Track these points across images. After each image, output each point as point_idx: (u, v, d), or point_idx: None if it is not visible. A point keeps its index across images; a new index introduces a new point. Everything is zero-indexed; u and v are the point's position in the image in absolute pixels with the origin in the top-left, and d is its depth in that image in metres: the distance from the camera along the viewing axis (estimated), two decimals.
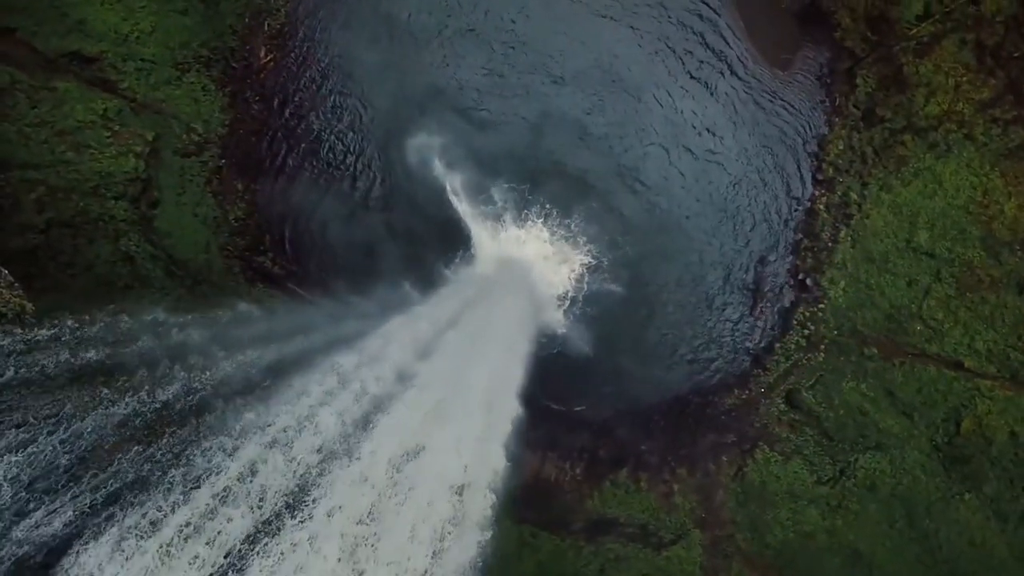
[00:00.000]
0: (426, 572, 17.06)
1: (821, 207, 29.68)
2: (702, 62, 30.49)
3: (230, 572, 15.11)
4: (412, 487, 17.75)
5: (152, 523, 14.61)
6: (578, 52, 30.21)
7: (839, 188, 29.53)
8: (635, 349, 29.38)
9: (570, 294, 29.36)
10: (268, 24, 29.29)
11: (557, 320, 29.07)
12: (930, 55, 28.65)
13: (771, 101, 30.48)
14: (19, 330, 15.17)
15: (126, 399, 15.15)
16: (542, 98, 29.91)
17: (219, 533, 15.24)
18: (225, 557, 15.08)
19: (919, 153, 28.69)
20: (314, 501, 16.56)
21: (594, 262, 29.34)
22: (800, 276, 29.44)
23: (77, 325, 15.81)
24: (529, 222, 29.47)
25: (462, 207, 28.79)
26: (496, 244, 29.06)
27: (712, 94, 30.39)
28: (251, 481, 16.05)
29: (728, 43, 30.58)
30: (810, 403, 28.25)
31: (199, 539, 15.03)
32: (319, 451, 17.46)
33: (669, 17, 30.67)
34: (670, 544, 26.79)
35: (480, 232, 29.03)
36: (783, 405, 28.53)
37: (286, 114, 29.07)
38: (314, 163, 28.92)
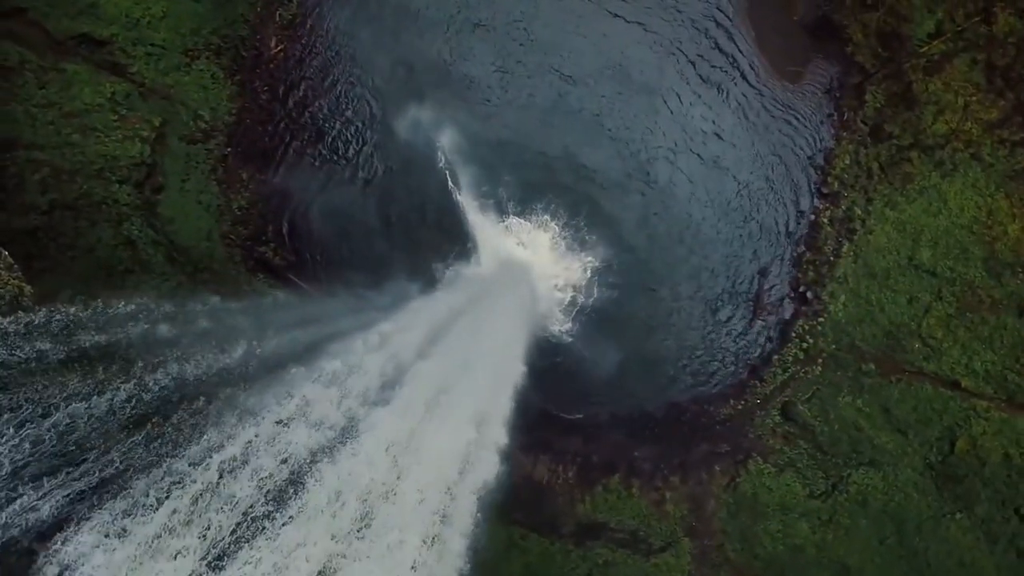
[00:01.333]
0: None
1: (825, 220, 29.64)
2: (713, 68, 30.40)
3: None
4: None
5: (144, 508, 14.69)
6: (588, 52, 30.07)
7: (844, 202, 29.49)
8: (633, 354, 29.35)
9: (570, 297, 29.35)
10: (280, 14, 29.25)
11: (556, 323, 29.06)
12: (940, 73, 28.60)
13: (779, 112, 30.40)
14: (19, 312, 15.17)
15: (121, 386, 15.15)
16: (551, 97, 29.82)
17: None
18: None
19: (925, 171, 28.64)
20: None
21: (596, 265, 29.30)
22: (801, 289, 29.40)
23: (75, 309, 15.80)
24: (532, 222, 29.42)
25: (466, 204, 28.76)
26: (498, 243, 29.03)
27: (721, 101, 30.30)
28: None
29: (739, 51, 30.50)
30: (805, 416, 28.23)
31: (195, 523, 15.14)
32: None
33: (681, 22, 30.56)
34: (659, 551, 26.79)
35: (482, 231, 29.00)
36: (778, 417, 28.51)
37: (293, 105, 29.03)
38: (319, 155, 28.89)
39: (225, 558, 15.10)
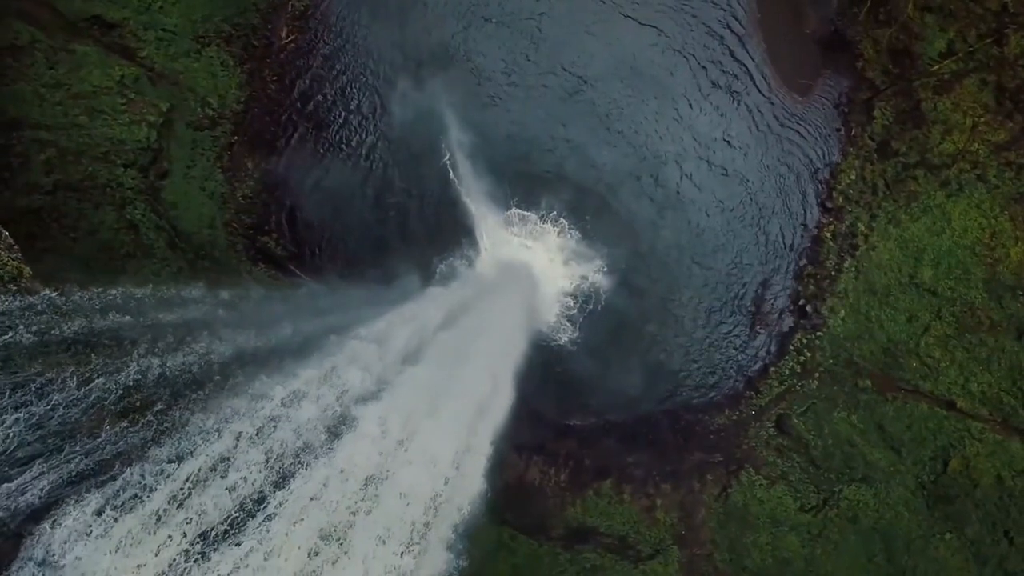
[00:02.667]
0: None
1: (828, 235, 29.63)
2: (724, 75, 30.41)
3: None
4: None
5: (135, 495, 14.66)
6: (600, 52, 30.08)
7: (847, 218, 29.49)
8: (630, 360, 29.32)
9: (570, 299, 29.30)
10: (292, 5, 29.26)
11: (554, 325, 29.01)
12: (950, 93, 28.61)
13: (787, 123, 30.42)
14: (16, 291, 15.16)
15: (115, 372, 15.13)
16: (560, 96, 29.81)
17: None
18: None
19: (930, 190, 28.65)
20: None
21: (598, 270, 29.27)
22: (801, 302, 29.40)
23: (73, 293, 15.75)
24: (536, 223, 29.38)
25: (469, 202, 28.71)
26: (501, 243, 28.99)
27: (730, 109, 30.34)
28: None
29: (751, 61, 30.51)
30: (800, 430, 28.22)
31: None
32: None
33: (695, 27, 30.56)
34: (648, 558, 26.75)
35: (486, 230, 28.96)
36: (772, 429, 28.50)
37: (301, 96, 29.01)
38: (325, 147, 28.87)
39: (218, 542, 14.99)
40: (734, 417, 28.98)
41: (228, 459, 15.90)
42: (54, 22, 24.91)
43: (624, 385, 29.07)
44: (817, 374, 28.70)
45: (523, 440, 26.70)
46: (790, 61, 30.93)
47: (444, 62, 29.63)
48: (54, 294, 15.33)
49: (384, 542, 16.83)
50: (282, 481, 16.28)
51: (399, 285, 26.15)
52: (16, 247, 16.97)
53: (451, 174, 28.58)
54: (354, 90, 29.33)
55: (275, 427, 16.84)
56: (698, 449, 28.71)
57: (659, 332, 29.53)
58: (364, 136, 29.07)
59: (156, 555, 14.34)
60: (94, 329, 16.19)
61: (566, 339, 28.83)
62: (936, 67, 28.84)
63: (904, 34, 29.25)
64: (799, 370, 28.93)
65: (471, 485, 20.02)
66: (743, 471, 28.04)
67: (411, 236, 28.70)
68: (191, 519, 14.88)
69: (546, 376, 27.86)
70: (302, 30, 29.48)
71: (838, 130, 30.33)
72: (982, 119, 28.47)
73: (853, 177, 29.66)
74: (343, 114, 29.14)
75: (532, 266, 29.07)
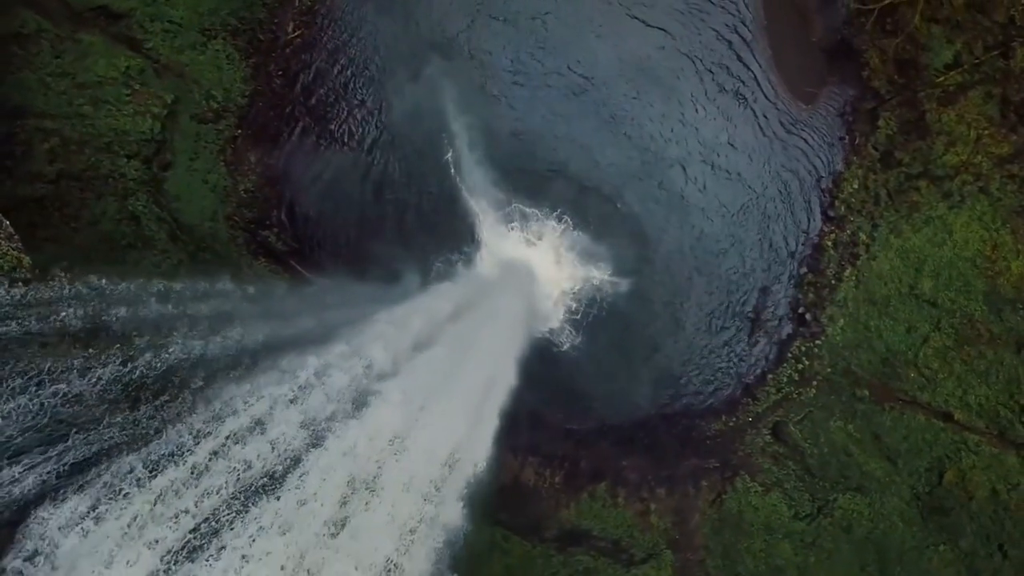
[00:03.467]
0: None
1: (829, 243, 29.63)
2: (730, 80, 30.38)
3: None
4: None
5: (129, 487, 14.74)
6: (607, 53, 30.01)
7: (849, 227, 29.48)
8: (628, 363, 29.33)
9: (570, 301, 29.31)
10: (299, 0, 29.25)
11: (553, 327, 29.02)
12: (954, 105, 28.60)
13: (792, 131, 30.42)
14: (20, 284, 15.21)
15: (112, 363, 15.21)
16: (565, 96, 29.78)
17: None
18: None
19: (933, 201, 28.64)
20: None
21: (600, 270, 29.24)
22: (800, 310, 29.39)
23: (80, 285, 15.88)
24: (538, 225, 29.39)
25: (472, 201, 28.71)
26: (501, 246, 28.98)
27: (736, 115, 30.30)
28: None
29: (757, 67, 30.50)
30: (796, 437, 28.21)
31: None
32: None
33: (702, 30, 30.52)
34: (640, 562, 26.73)
35: (488, 231, 28.95)
36: (769, 436, 28.49)
37: (307, 91, 29.02)
38: (329, 142, 28.88)
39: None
40: (731, 423, 28.98)
41: (265, 422, 17.18)
42: (61, 11, 24.92)
43: (622, 389, 29.08)
44: (815, 382, 28.70)
45: (519, 441, 26.70)
46: (796, 68, 30.93)
47: (449, 59, 29.62)
48: (52, 286, 15.37)
49: (408, 490, 18.37)
50: (316, 442, 17.44)
51: (400, 283, 26.20)
52: (16, 236, 17.03)
53: (453, 171, 28.60)
54: (359, 86, 29.34)
55: (309, 394, 18.22)
56: (694, 455, 28.69)
57: (659, 336, 29.53)
58: (367, 132, 29.08)
59: (197, 506, 15.16)
60: (83, 323, 16.37)
61: (565, 340, 28.86)
62: (942, 78, 28.84)
63: (910, 45, 29.24)
64: (797, 378, 28.92)
65: (482, 446, 21.73)
66: (738, 477, 28.03)
67: (413, 233, 28.70)
68: (235, 469, 15.73)
69: (544, 378, 27.80)
70: (309, 25, 29.48)
71: (842, 139, 30.32)
72: (986, 132, 28.46)
73: (856, 186, 29.65)
74: (347, 110, 29.15)
75: (534, 265, 29.08)
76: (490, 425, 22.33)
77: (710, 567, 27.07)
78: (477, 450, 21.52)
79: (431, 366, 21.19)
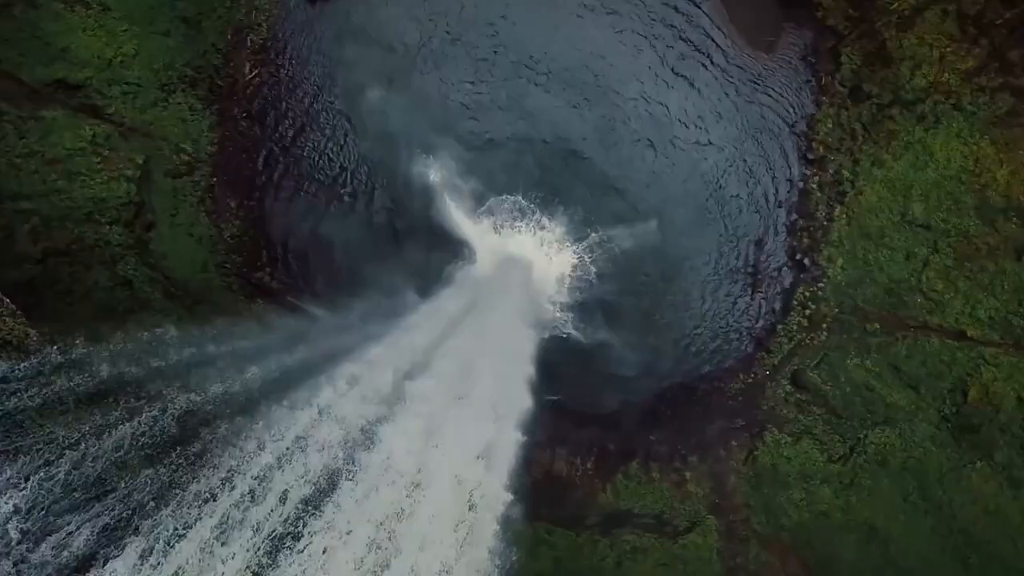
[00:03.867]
0: None
1: (814, 186, 29.71)
2: (685, 52, 30.46)
3: None
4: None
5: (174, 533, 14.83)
6: (561, 53, 30.12)
7: (831, 166, 29.55)
8: (638, 340, 29.41)
9: (569, 291, 29.39)
10: (251, 39, 29.26)
11: (558, 318, 29.11)
12: (913, 28, 28.66)
13: (757, 85, 30.47)
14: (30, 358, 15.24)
15: (138, 419, 15.29)
16: (528, 101, 29.88)
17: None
18: None
19: (908, 126, 28.70)
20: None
21: (592, 258, 29.38)
22: (797, 256, 29.47)
23: (84, 350, 15.96)
24: (524, 222, 29.51)
25: (455, 212, 28.87)
26: (491, 247, 29.11)
27: (697, 84, 30.33)
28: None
29: (710, 30, 30.56)
30: (816, 382, 28.28)
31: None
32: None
33: (652, 7, 30.62)
34: (686, 532, 26.81)
35: (474, 236, 29.11)
36: (789, 386, 28.56)
37: (275, 129, 29.06)
38: (306, 176, 28.92)
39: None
40: (749, 380, 29.05)
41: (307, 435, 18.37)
42: (18, 92, 24.90)
43: (636, 365, 29.17)
44: (825, 325, 28.77)
45: (545, 434, 26.75)
46: (750, 21, 30.99)
47: (412, 79, 29.66)
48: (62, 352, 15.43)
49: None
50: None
51: (398, 298, 26.26)
52: (19, 312, 17.03)
53: (433, 185, 28.69)
54: (324, 115, 29.37)
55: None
56: (719, 417, 28.77)
57: (663, 308, 29.62)
58: (341, 159, 29.13)
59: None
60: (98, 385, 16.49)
61: (570, 326, 28.96)
62: (895, 4, 28.88)
63: None
64: (806, 324, 28.99)
65: (516, 419, 22.52)
66: (766, 432, 28.11)
67: (402, 249, 28.79)
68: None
69: (557, 367, 27.90)
70: (264, 63, 29.49)
71: (808, 81, 30.38)
72: (949, 49, 28.49)
73: (830, 125, 29.72)
74: (318, 142, 29.18)
75: (527, 258, 29.22)
76: (522, 405, 23.02)
77: (755, 524, 27.15)
78: (513, 425, 22.23)
79: (453, 358, 22.38)
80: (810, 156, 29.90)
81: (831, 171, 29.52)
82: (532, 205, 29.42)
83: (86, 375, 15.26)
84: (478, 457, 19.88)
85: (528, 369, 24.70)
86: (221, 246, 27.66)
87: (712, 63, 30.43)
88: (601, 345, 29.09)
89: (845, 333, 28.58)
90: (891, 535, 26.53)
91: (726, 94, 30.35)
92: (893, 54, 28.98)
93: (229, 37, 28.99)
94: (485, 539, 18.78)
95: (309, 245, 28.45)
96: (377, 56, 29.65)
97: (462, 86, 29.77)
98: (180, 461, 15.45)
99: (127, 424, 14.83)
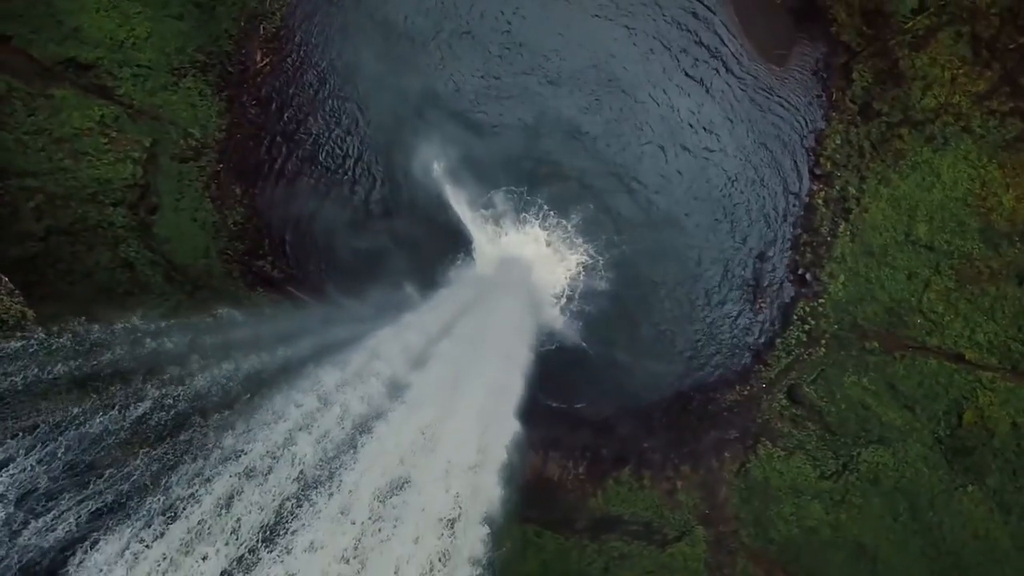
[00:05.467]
0: None
1: (819, 202, 29.68)
2: (697, 59, 30.46)
3: None
4: (398, 521, 17.41)
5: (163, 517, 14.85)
6: (573, 52, 30.16)
7: (837, 182, 29.53)
8: (636, 347, 29.37)
9: (569, 293, 29.36)
10: (264, 28, 29.27)
11: (557, 320, 29.08)
12: (926, 48, 28.64)
13: (767, 97, 30.45)
14: (27, 336, 15.23)
15: (133, 403, 15.30)
16: (538, 99, 29.87)
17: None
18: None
19: (916, 146, 28.68)
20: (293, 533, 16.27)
21: (593, 261, 29.35)
22: (799, 271, 29.44)
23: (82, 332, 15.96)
24: (527, 222, 29.47)
25: (460, 208, 28.78)
26: (494, 245, 29.06)
27: (708, 91, 30.34)
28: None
29: (723, 39, 30.55)
30: (812, 398, 28.25)
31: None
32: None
33: (664, 15, 30.64)
34: (674, 541, 26.79)
35: (478, 233, 29.03)
36: (785, 400, 28.54)
37: (283, 118, 29.05)
38: (312, 166, 28.90)
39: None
40: (745, 392, 29.02)
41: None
42: (29, 69, 24.92)
43: (633, 372, 29.13)
44: (823, 341, 28.75)
45: (538, 436, 26.75)
46: (764, 33, 30.97)
47: (422, 74, 29.64)
48: (58, 333, 15.45)
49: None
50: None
51: (398, 295, 26.24)
52: (17, 292, 17.04)
53: (439, 180, 28.65)
54: (334, 108, 29.35)
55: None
56: (713, 428, 28.74)
57: (663, 316, 29.56)
58: (349, 153, 29.10)
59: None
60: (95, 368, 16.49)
61: (570, 331, 28.90)
62: (910, 24, 28.88)
63: None
64: (805, 338, 28.97)
65: (511, 404, 22.81)
66: (760, 445, 28.08)
67: (404, 246, 28.74)
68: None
69: (555, 370, 27.89)
70: (276, 52, 29.49)
71: (819, 96, 30.37)
72: (961, 71, 28.49)
73: (839, 141, 29.71)
74: (326, 133, 29.17)
75: (530, 260, 29.16)
76: (514, 394, 23.21)
77: (743, 537, 27.12)
78: (507, 410, 22.60)
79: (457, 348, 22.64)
80: (817, 171, 29.88)
81: (837, 187, 29.49)
82: (535, 203, 29.38)
83: (81, 358, 15.25)
84: (471, 457, 19.82)
85: (524, 370, 24.64)
86: (224, 233, 27.64)
87: (724, 71, 30.42)
88: (599, 349, 29.03)
89: (843, 350, 28.56)
90: (879, 554, 26.51)
91: (736, 104, 30.35)
92: (905, 73, 28.96)
93: (242, 24, 29.01)
94: (471, 539, 18.57)
95: (312, 237, 28.42)
96: (388, 48, 29.64)
97: (472, 81, 29.74)
98: (170, 448, 15.47)
99: (119, 409, 14.82)
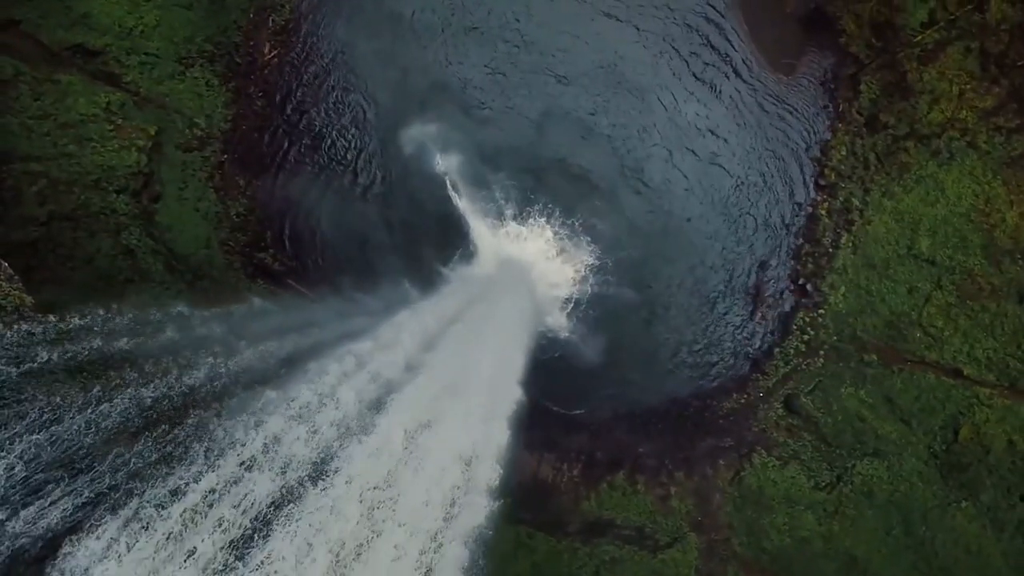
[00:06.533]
0: (437, 533, 18.41)
1: (823, 212, 29.66)
2: (706, 64, 30.45)
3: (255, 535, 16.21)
4: (425, 457, 19.30)
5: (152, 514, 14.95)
6: (582, 52, 30.13)
7: (841, 194, 29.51)
8: (635, 351, 29.37)
9: (570, 294, 29.38)
10: (273, 20, 29.26)
11: (557, 320, 29.07)
12: (934, 62, 28.62)
13: (774, 105, 30.44)
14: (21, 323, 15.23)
15: (128, 393, 15.34)
16: (545, 97, 29.85)
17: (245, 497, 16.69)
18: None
19: (922, 160, 28.67)
20: (335, 471, 17.87)
21: (595, 263, 29.32)
22: (800, 281, 29.42)
23: (78, 319, 16.01)
24: (530, 222, 29.45)
25: (463, 205, 28.78)
26: (497, 243, 29.05)
27: (716, 97, 30.33)
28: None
29: (732, 46, 30.53)
30: (809, 408, 28.23)
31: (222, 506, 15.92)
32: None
33: (674, 19, 30.62)
34: (666, 547, 26.75)
35: (481, 231, 29.02)
36: (781, 410, 28.51)
37: (289, 110, 29.04)
38: (316, 159, 28.89)
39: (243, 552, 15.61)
40: (742, 400, 29.00)
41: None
42: (37, 53, 24.91)
43: (631, 376, 29.11)
44: (822, 351, 28.72)
45: (534, 438, 26.71)
46: (772, 42, 30.96)
47: (430, 70, 29.65)
48: (56, 322, 15.48)
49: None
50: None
51: (399, 292, 26.24)
52: (16, 278, 17.04)
53: (443, 180, 28.64)
54: (341, 102, 29.34)
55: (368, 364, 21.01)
56: (709, 435, 28.71)
57: (662, 322, 29.56)
58: (354, 147, 29.09)
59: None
60: (90, 357, 16.60)
61: (569, 336, 28.87)
62: (919, 37, 28.85)
63: (884, 7, 29.24)
64: (804, 349, 28.95)
65: (507, 399, 23.18)
66: (755, 454, 28.05)
67: (406, 243, 28.73)
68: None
69: (553, 373, 27.87)
70: (284, 45, 29.48)
71: (825, 107, 30.35)
72: (968, 86, 28.47)
73: (844, 153, 29.68)
74: (331, 127, 29.15)
75: (531, 263, 29.13)
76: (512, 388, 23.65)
77: (735, 545, 27.09)
78: (504, 403, 22.99)
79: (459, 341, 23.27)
80: (821, 182, 29.86)
81: (841, 198, 29.48)
82: (540, 206, 29.36)
83: (78, 345, 15.28)
84: (465, 456, 20.04)
85: (521, 371, 24.63)
86: (226, 223, 27.62)
87: (732, 77, 30.47)
88: (597, 351, 28.99)
89: (842, 361, 28.54)
90: (871, 567, 26.48)
91: (743, 111, 30.38)
92: (913, 86, 28.95)
93: (252, 16, 29.01)
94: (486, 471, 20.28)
95: (314, 230, 28.39)
96: (396, 42, 29.66)
97: (479, 78, 29.75)
98: (163, 439, 15.59)
99: (116, 400, 14.88)
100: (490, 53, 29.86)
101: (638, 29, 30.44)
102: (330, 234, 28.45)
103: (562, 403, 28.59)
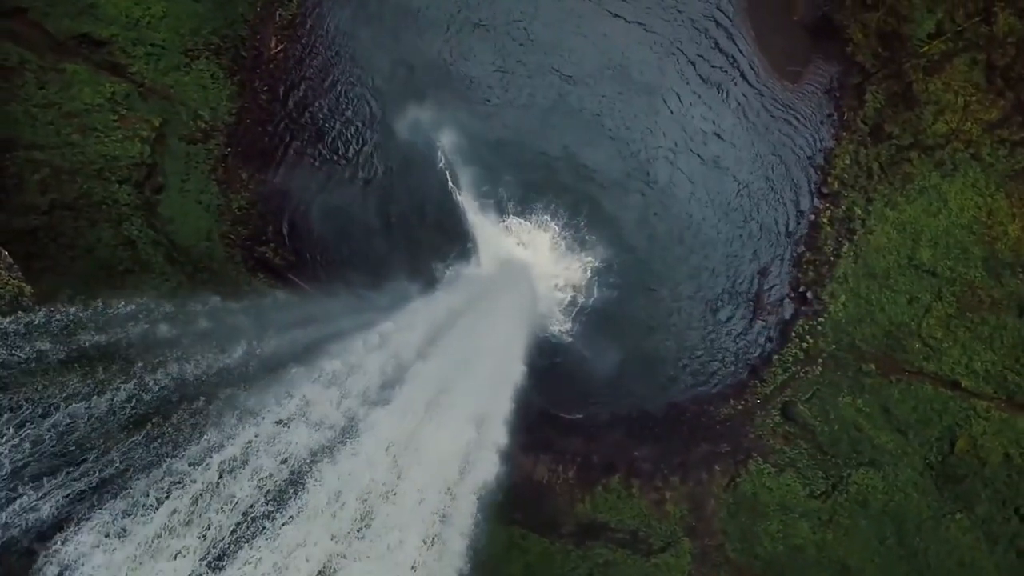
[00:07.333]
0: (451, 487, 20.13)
1: (825, 220, 29.64)
2: (713, 68, 30.41)
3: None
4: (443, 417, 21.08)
5: (144, 508, 14.91)
6: (589, 51, 30.07)
7: (844, 202, 29.49)
8: (633, 354, 29.33)
9: (570, 297, 29.33)
10: (280, 14, 29.24)
11: (556, 322, 29.04)
12: (940, 73, 28.60)
13: (779, 112, 30.41)
14: (19, 312, 15.23)
15: (121, 385, 15.31)
16: (550, 97, 29.80)
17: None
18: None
19: (925, 171, 28.65)
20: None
21: (596, 265, 29.28)
22: (801, 289, 29.41)
23: (75, 309, 16.02)
24: (532, 222, 29.41)
25: (465, 204, 28.75)
26: (498, 243, 29.01)
27: (721, 101, 30.30)
28: None
29: (739, 52, 30.50)
30: (805, 416, 28.23)
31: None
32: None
33: (682, 21, 30.56)
34: (659, 551, 26.77)
35: (482, 230, 28.98)
36: (778, 417, 28.51)
37: (293, 105, 29.01)
38: (319, 155, 28.87)
39: (225, 558, 15.56)
40: (739, 407, 28.99)
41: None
42: (43, 42, 24.91)
43: (628, 380, 29.09)
44: (820, 360, 28.71)
45: (530, 439, 26.71)
46: (779, 49, 30.92)
47: (436, 68, 29.60)
48: (53, 312, 15.48)
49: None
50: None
51: (399, 290, 26.24)
52: (16, 267, 17.04)
53: (447, 178, 28.62)
54: (346, 97, 29.32)
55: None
56: (705, 440, 28.71)
57: (660, 325, 29.54)
58: (358, 143, 29.08)
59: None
60: (85, 348, 16.70)
61: (567, 338, 28.86)
62: (926, 48, 28.83)
63: (892, 17, 29.23)
64: (802, 357, 28.93)
65: (507, 390, 24.07)
66: (751, 460, 28.05)
67: (408, 241, 28.72)
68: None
69: (550, 375, 27.85)
70: (291, 39, 29.46)
71: (830, 115, 30.32)
72: (973, 98, 28.45)
73: (847, 162, 29.66)
74: (336, 122, 29.14)
75: (531, 264, 29.10)
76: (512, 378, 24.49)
77: (729, 551, 27.10)
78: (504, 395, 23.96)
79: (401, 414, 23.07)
80: (824, 190, 29.84)
81: (843, 207, 29.46)
82: (542, 207, 29.34)
83: (75, 337, 15.30)
84: (459, 456, 20.24)
85: (519, 372, 24.65)
86: (228, 216, 27.62)
87: (737, 83, 30.42)
88: (596, 355, 28.99)
89: (840, 370, 28.53)
90: None
91: (748, 116, 30.34)
92: (918, 97, 28.92)
93: (259, 9, 28.98)
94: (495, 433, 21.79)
95: (316, 226, 28.38)
96: (402, 39, 29.61)
97: (484, 75, 29.69)
98: (157, 432, 15.62)
99: (109, 392, 14.89)
100: (496, 51, 29.82)
101: (645, 30, 30.38)
102: (331, 230, 28.45)
103: (559, 405, 28.59)
